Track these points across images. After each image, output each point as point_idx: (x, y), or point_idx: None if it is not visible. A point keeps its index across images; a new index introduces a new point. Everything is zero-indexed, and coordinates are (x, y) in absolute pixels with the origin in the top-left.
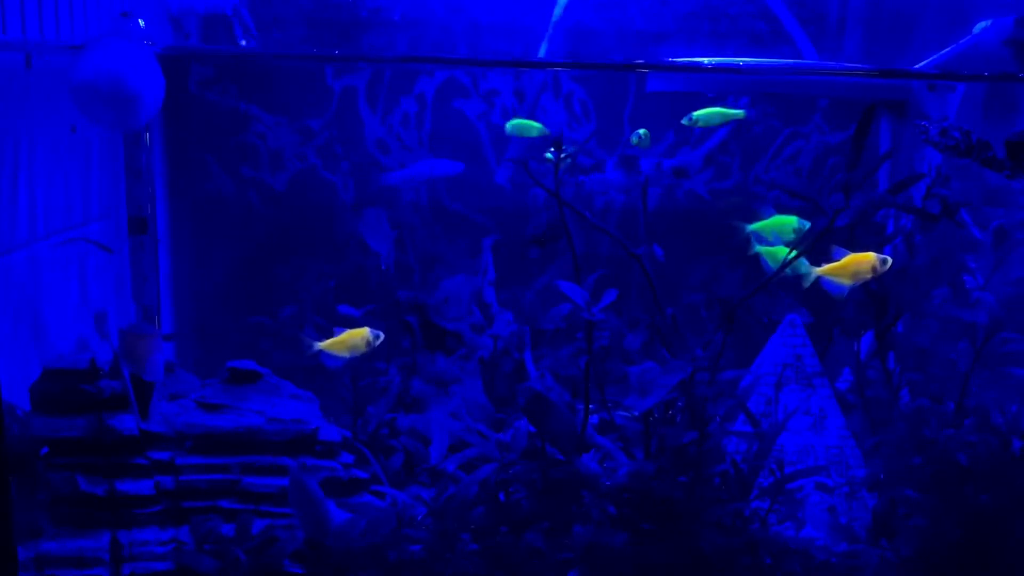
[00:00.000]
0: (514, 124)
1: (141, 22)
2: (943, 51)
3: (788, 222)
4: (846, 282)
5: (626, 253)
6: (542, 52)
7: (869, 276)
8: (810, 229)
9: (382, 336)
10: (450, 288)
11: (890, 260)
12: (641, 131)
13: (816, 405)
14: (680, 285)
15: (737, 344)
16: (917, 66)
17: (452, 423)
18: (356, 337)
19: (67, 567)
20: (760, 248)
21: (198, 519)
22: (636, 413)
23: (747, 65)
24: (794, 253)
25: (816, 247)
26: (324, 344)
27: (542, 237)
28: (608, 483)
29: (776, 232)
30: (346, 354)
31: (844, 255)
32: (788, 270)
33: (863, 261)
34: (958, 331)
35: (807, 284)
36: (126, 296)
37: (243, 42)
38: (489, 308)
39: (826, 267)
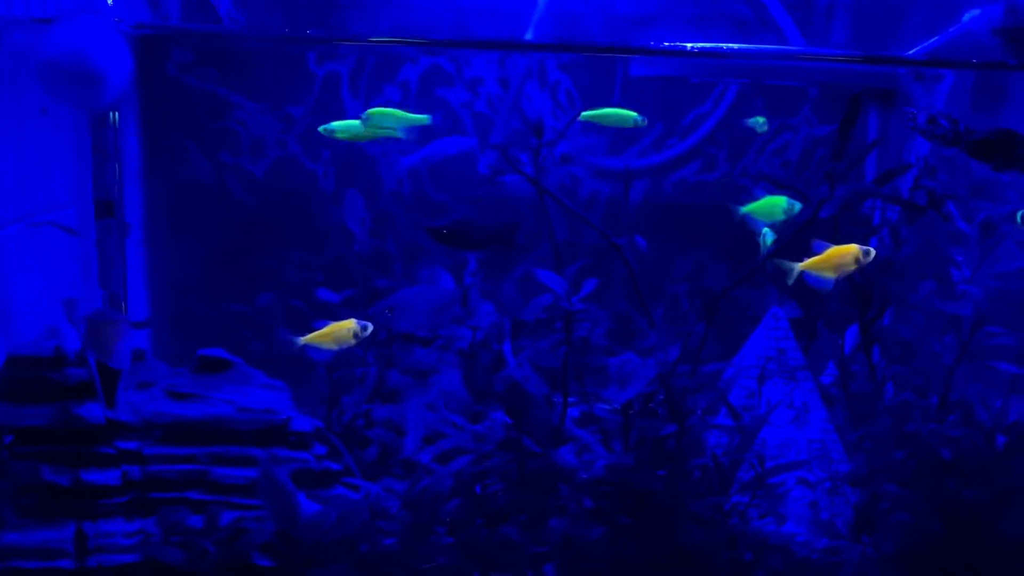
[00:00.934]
0: (596, 114)
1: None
2: (932, 40)
3: (778, 202)
4: (829, 275)
5: (608, 243)
6: (528, 36)
7: (853, 268)
8: (795, 219)
9: (371, 327)
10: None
11: (873, 252)
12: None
13: (799, 398)
14: (665, 276)
15: (721, 337)
16: (906, 54)
17: (428, 414)
18: (342, 329)
19: (31, 558)
20: (747, 208)
21: (166, 510)
22: (615, 405)
23: (732, 50)
24: (773, 249)
25: (800, 238)
26: (308, 338)
27: (453, 229)
28: (585, 476)
29: (767, 213)
30: (333, 347)
31: (826, 248)
32: (771, 265)
33: (846, 253)
34: (943, 324)
35: (791, 281)
36: (93, 282)
37: (224, 21)
38: (472, 298)
39: (808, 261)
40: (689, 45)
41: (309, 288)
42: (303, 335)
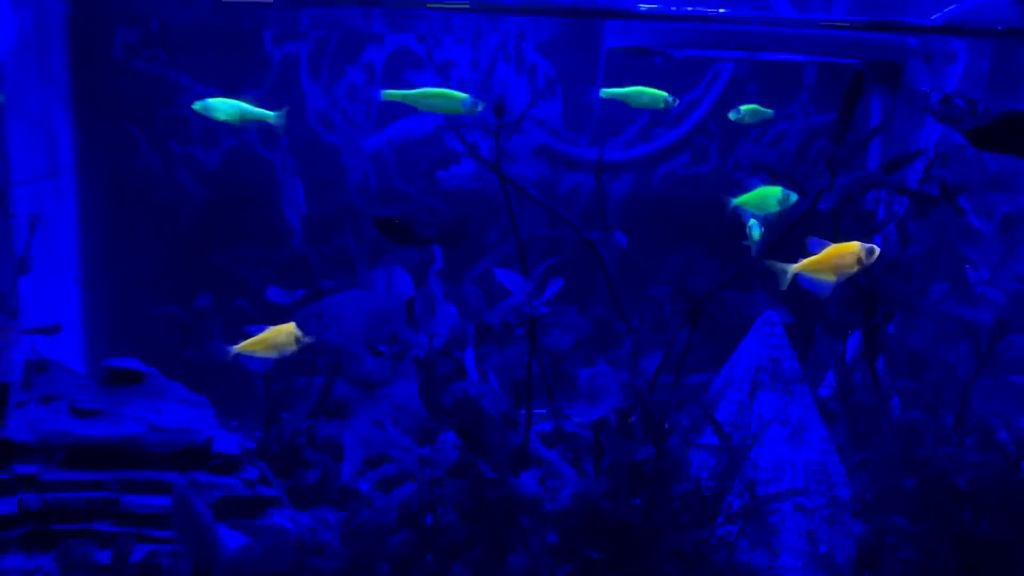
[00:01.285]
0: (621, 93)
1: None
2: (946, 10)
3: (772, 193)
4: (828, 278)
5: (580, 238)
6: None
7: (854, 270)
8: (790, 213)
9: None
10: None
11: (877, 250)
12: None
13: (795, 414)
14: (649, 276)
15: (708, 342)
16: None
17: (375, 432)
18: (282, 334)
19: None
20: (739, 200)
21: (69, 544)
22: (585, 424)
23: (722, 14)
24: (763, 246)
25: (795, 234)
26: (243, 346)
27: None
28: (551, 506)
29: (760, 204)
30: (272, 355)
31: (823, 247)
32: (761, 265)
33: (846, 253)
34: (958, 332)
35: (784, 285)
36: None
37: None
38: (435, 300)
39: (804, 262)
40: (674, 8)
41: (264, 289)
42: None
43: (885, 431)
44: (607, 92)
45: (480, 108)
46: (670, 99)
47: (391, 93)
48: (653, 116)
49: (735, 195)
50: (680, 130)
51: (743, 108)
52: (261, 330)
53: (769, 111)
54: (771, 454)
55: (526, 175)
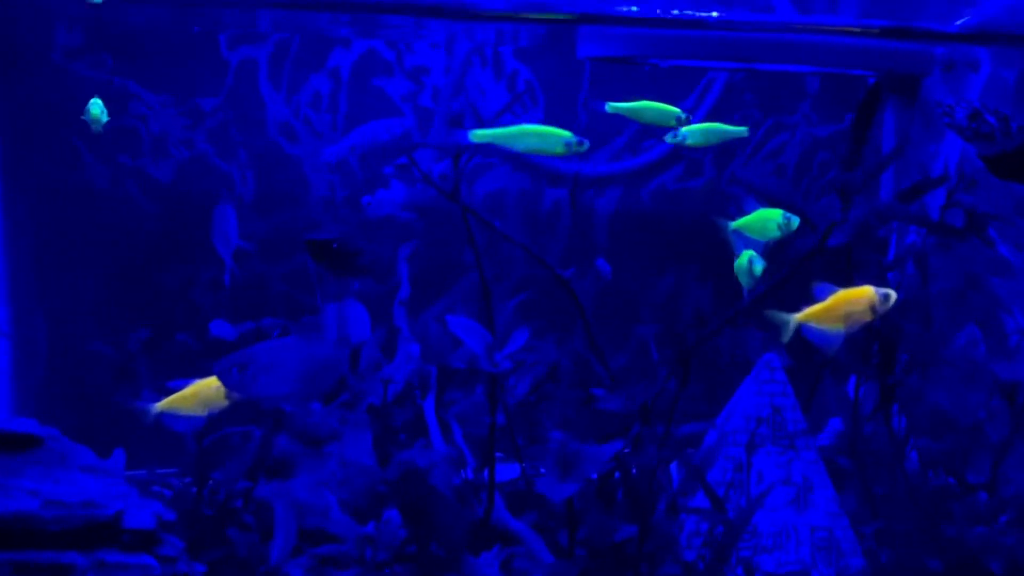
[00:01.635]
0: (628, 107)
1: None
2: (969, 16)
3: (772, 216)
4: (837, 328)
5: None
6: None
7: (868, 319)
8: (796, 249)
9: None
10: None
11: (894, 295)
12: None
13: (799, 472)
14: (640, 301)
15: (702, 379)
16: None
17: (317, 499)
18: (211, 388)
19: None
20: (734, 224)
21: None
22: (555, 500)
23: (716, 19)
24: (762, 289)
25: (803, 271)
26: (166, 404)
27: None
28: None
29: (759, 229)
30: (200, 412)
31: (830, 292)
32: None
33: (858, 299)
34: (988, 385)
35: (787, 337)
36: None
37: None
38: (399, 335)
39: (809, 311)
40: (659, 12)
41: (219, 314)
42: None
43: (903, 498)
44: (613, 107)
45: (585, 147)
46: (682, 115)
47: (480, 134)
48: (643, 127)
49: (732, 217)
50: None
51: (686, 129)
52: (186, 383)
53: (741, 129)
54: (772, 518)
55: (507, 188)
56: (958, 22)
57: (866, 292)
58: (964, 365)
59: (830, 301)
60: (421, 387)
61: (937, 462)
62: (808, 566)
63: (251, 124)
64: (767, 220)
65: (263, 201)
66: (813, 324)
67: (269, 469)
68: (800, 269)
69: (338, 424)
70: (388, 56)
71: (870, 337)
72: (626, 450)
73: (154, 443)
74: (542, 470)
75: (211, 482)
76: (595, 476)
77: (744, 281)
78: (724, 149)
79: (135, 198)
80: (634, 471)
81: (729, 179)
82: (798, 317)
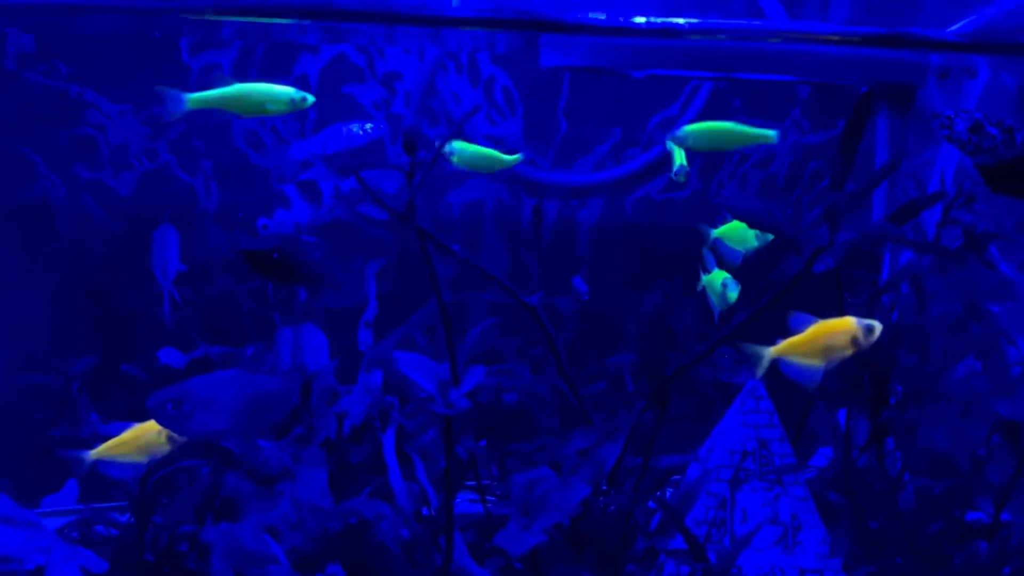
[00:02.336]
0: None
1: None
2: (967, 20)
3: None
4: (816, 363)
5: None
6: (455, 3)
7: (848, 352)
8: (778, 274)
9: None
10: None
11: (879, 328)
12: None
13: (787, 510)
14: (622, 317)
15: (682, 403)
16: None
17: (261, 547)
18: (151, 433)
19: None
20: (716, 232)
21: None
22: (514, 555)
23: (691, 26)
24: (741, 319)
25: (787, 299)
26: (101, 451)
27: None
28: None
29: (737, 239)
30: (141, 458)
31: (808, 323)
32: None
33: (838, 332)
34: (989, 420)
35: (759, 372)
36: None
37: None
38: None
39: (785, 344)
40: (621, 20)
41: (188, 334)
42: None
43: (900, 542)
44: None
45: (310, 103)
46: (773, 134)
47: (194, 98)
48: (626, 135)
49: (717, 223)
50: (656, 151)
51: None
52: (124, 427)
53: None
54: (758, 560)
55: (484, 200)
56: (954, 27)
57: (848, 324)
58: (962, 398)
59: (808, 333)
60: (381, 420)
61: (934, 504)
62: None
63: (215, 133)
64: (746, 229)
65: (229, 214)
66: (790, 358)
67: (216, 510)
68: (785, 294)
69: (291, 461)
70: (358, 61)
71: (861, 367)
72: (602, 488)
73: (104, 477)
74: (497, 536)
75: (152, 525)
76: (565, 522)
77: (715, 301)
78: (711, 158)
79: (93, 212)
80: (612, 508)
81: (717, 188)
82: (774, 351)
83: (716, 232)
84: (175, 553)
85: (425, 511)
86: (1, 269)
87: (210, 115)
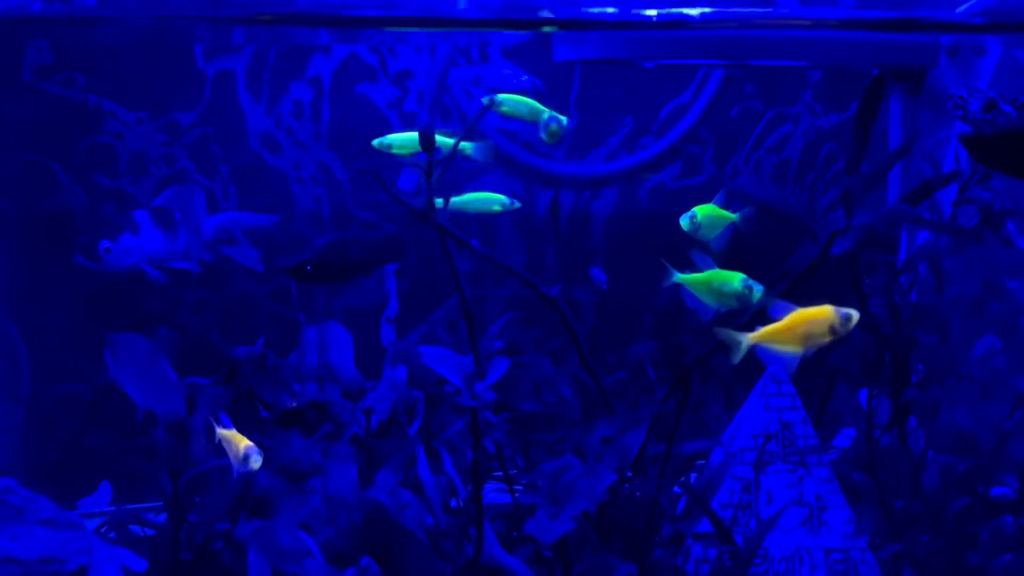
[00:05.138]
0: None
1: None
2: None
3: (731, 280)
4: (794, 350)
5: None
6: (462, 5)
7: (826, 340)
8: (796, 259)
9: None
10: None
11: (856, 316)
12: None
13: (811, 491)
14: (641, 308)
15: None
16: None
17: (295, 543)
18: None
19: None
20: (681, 277)
21: None
22: (544, 542)
23: (703, 16)
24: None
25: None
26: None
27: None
28: None
29: (714, 295)
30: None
31: (788, 311)
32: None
33: (816, 320)
34: (1011, 397)
35: (737, 358)
36: None
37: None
38: (385, 357)
39: (764, 331)
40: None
41: (208, 335)
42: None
43: (924, 520)
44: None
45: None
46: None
47: None
48: (637, 124)
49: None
50: (668, 138)
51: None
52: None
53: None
54: (784, 541)
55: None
56: (962, 7)
57: (825, 312)
58: (983, 378)
59: (787, 321)
60: (407, 414)
61: (958, 481)
62: None
63: (231, 137)
64: (724, 285)
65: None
66: (768, 345)
67: (249, 508)
68: (801, 279)
69: (320, 458)
70: (371, 61)
71: (881, 348)
72: (627, 475)
73: (135, 480)
74: (527, 524)
75: (187, 524)
76: (592, 510)
77: (725, 303)
78: (725, 144)
79: (114, 219)
80: (638, 494)
81: (731, 173)
82: (752, 337)
83: (681, 278)
84: (211, 551)
85: (453, 503)
86: (28, 278)
87: (224, 120)
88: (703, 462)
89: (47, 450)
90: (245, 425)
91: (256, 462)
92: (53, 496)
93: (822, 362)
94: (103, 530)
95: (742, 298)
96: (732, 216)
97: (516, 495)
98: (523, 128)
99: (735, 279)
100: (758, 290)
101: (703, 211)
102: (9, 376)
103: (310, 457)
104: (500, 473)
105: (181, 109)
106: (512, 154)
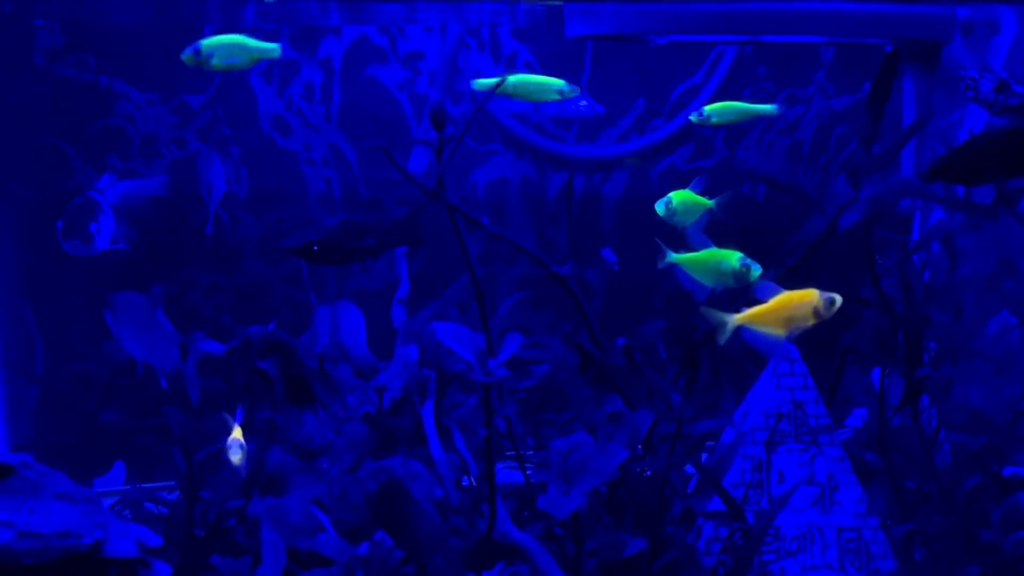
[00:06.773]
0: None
1: None
2: None
3: (728, 259)
4: (778, 332)
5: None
6: None
7: (810, 323)
8: (804, 233)
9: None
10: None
11: (839, 300)
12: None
13: (823, 470)
14: (653, 289)
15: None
16: None
17: (308, 519)
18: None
19: None
20: (676, 257)
21: None
22: (556, 518)
23: None
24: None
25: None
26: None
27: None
28: None
29: (712, 274)
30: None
31: (773, 293)
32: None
33: (800, 303)
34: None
35: (723, 339)
36: None
37: None
38: (397, 337)
39: (748, 313)
40: None
41: (219, 318)
42: None
43: (936, 499)
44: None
45: None
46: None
47: None
48: (649, 106)
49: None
50: (680, 120)
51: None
52: None
53: (769, 107)
54: (795, 519)
55: (509, 176)
56: None
57: (810, 295)
58: (997, 357)
59: (772, 303)
60: (419, 392)
61: (971, 460)
62: (836, 569)
63: (242, 119)
64: (721, 263)
65: (258, 198)
66: (753, 326)
67: (262, 485)
68: (813, 253)
69: (333, 435)
70: (380, 42)
71: (894, 326)
72: (637, 454)
73: (149, 459)
74: (539, 500)
75: (200, 501)
76: (603, 487)
77: (721, 282)
78: (736, 126)
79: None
80: (648, 473)
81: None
82: (738, 318)
83: (677, 257)
84: (224, 527)
85: (465, 480)
86: (41, 259)
87: (235, 102)
88: (713, 443)
89: (62, 430)
90: (259, 403)
91: (236, 455)
92: (68, 474)
93: (835, 341)
94: (118, 508)
95: (740, 277)
96: (708, 202)
97: (528, 473)
98: (534, 111)
99: (732, 258)
100: (756, 269)
101: (678, 196)
102: (24, 356)
103: (322, 435)
104: (512, 452)
105: (192, 91)
106: (523, 136)
